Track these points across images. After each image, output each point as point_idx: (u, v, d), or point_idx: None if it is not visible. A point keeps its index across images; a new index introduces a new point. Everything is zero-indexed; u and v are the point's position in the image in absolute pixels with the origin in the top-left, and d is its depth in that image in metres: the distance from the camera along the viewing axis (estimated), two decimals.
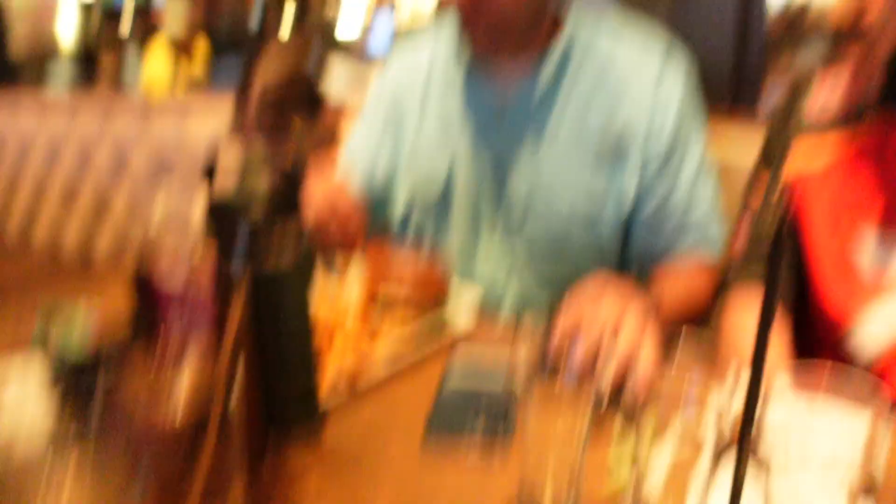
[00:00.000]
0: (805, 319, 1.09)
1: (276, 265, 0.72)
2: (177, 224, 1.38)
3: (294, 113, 1.61)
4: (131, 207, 2.44)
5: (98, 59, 4.05)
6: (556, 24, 1.25)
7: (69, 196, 2.78)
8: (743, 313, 1.12)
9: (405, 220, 1.39)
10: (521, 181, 1.25)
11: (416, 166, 1.34)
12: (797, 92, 0.95)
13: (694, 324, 1.23)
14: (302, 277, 0.75)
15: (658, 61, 1.24)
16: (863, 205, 1.01)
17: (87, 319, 0.98)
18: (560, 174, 1.23)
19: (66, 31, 7.72)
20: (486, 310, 1.19)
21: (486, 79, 1.27)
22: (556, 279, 1.28)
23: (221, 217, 0.71)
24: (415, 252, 1.38)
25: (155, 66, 4.63)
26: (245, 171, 0.85)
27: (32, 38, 7.43)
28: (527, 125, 1.25)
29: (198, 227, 1.38)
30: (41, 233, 2.94)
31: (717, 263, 1.26)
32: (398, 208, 1.39)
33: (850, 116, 1.04)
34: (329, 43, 4.40)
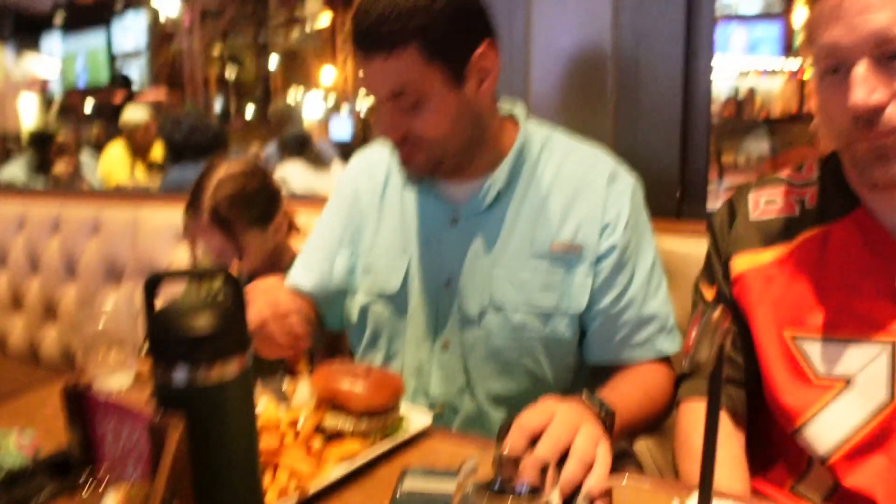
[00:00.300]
0: (761, 409, 1.09)
1: (218, 374, 0.70)
2: (120, 331, 1.35)
3: (245, 223, 1.61)
4: (78, 311, 2.38)
5: (53, 156, 4.08)
6: (505, 140, 1.28)
7: (16, 297, 2.72)
8: (692, 430, 1.12)
9: (361, 327, 1.37)
10: (474, 287, 1.26)
11: (373, 271, 1.34)
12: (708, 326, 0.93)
13: (654, 425, 1.23)
14: (244, 387, 0.73)
15: (606, 173, 1.27)
16: (807, 305, 1.04)
17: (21, 435, 0.95)
18: (513, 280, 1.24)
19: (26, 122, 7.75)
20: (438, 426, 1.16)
21: (438, 190, 1.30)
22: (509, 397, 1.27)
23: (164, 325, 0.69)
24: (369, 361, 1.36)
25: (110, 168, 4.69)
26: (195, 279, 0.84)
27: None
28: (479, 234, 1.26)
29: (140, 335, 1.36)
30: None
31: (675, 359, 1.27)
32: (354, 314, 1.37)
33: (792, 219, 1.08)
34: (293, 129, 4.47)
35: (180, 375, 0.68)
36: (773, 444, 1.11)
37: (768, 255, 1.09)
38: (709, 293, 1.16)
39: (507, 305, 1.23)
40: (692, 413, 1.14)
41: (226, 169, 1.63)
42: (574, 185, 1.26)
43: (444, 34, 1.11)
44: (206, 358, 0.69)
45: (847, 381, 0.99)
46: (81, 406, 0.71)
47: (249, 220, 1.60)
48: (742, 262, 1.10)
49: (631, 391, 1.17)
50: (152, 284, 0.69)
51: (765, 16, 6.97)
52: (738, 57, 6.64)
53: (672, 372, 1.25)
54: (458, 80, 1.15)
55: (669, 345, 1.26)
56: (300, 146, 4.08)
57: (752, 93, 6.63)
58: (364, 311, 1.35)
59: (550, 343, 1.24)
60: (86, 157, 4.50)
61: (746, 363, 1.10)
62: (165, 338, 0.69)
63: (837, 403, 0.99)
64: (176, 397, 0.69)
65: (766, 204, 1.12)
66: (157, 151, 4.77)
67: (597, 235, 1.23)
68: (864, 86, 0.89)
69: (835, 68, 0.93)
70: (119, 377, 1.35)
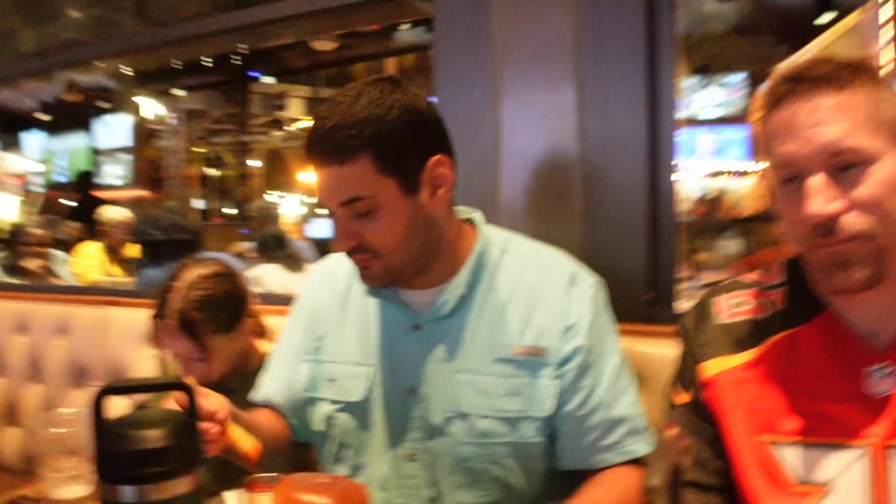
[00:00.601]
0: None
1: (168, 492, 0.67)
2: (80, 437, 1.30)
3: (213, 327, 1.58)
4: (38, 414, 2.30)
5: (24, 251, 4.05)
6: (464, 246, 1.28)
7: None
8: None
9: (326, 439, 1.33)
10: (438, 395, 1.23)
11: (337, 380, 1.30)
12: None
13: None
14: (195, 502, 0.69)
15: (566, 276, 1.27)
16: (781, 409, 1.02)
17: None
18: (477, 386, 1.21)
19: (5, 215, 7.74)
20: None
21: (399, 297, 1.28)
22: None
23: (111, 440, 0.67)
24: (334, 474, 1.31)
25: (84, 266, 4.67)
26: (150, 391, 0.82)
27: None
28: (441, 340, 1.25)
29: (88, 449, 1.31)
30: None
31: (647, 461, 1.24)
32: (319, 424, 1.33)
33: (761, 322, 1.08)
34: (271, 228, 4.57)
35: (128, 493, 0.66)
36: None
37: (738, 359, 1.08)
38: (681, 397, 1.14)
39: (473, 412, 1.21)
40: None
41: (195, 272, 1.61)
42: (534, 290, 1.25)
43: (397, 144, 1.13)
44: (155, 474, 0.66)
45: (827, 487, 0.97)
46: None
47: (217, 324, 1.57)
48: (713, 366, 1.10)
49: (602, 498, 1.14)
50: (101, 396, 0.67)
51: (730, 120, 7.25)
52: (706, 160, 6.86)
53: (643, 477, 1.22)
54: (411, 189, 1.16)
55: (641, 446, 1.23)
56: (278, 244, 4.17)
57: (721, 193, 6.82)
58: (329, 422, 1.31)
59: (519, 449, 1.21)
60: (58, 253, 4.46)
61: (724, 468, 1.08)
62: (112, 452, 0.66)
63: None
64: None
65: (734, 307, 1.13)
66: (132, 249, 4.76)
67: (559, 338, 1.22)
68: (820, 196, 0.91)
69: (791, 178, 0.96)
70: (76, 487, 1.29)
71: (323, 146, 1.12)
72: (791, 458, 1.01)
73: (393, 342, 1.27)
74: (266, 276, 3.82)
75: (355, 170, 1.11)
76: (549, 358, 1.21)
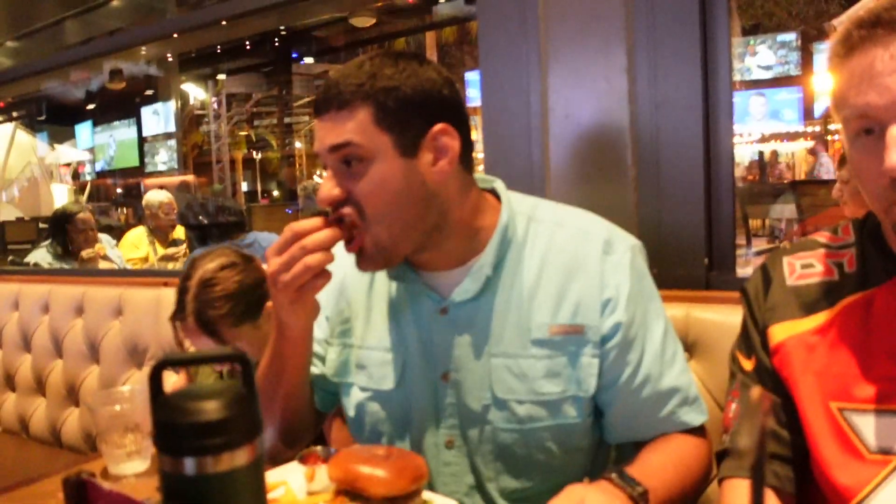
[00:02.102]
0: (809, 486, 1.02)
1: (228, 463, 0.66)
2: (137, 414, 1.32)
3: (233, 320, 1.54)
4: (96, 393, 2.35)
5: (75, 237, 4.15)
6: (486, 221, 1.21)
7: (38, 379, 2.71)
8: None
9: (358, 426, 1.28)
10: (473, 381, 1.18)
11: (367, 367, 1.26)
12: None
13: (692, 497, 1.16)
14: (256, 476, 0.68)
15: (599, 243, 1.19)
16: (854, 375, 0.97)
17: None
18: (514, 370, 1.16)
19: (58, 204, 7.97)
20: None
21: (423, 280, 1.23)
22: (524, 490, 1.19)
23: (170, 412, 0.66)
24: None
25: (131, 250, 4.78)
26: (206, 363, 0.82)
27: (24, 208, 7.67)
28: (471, 323, 1.19)
29: (146, 426, 1.32)
30: (9, 415, 2.84)
31: (705, 427, 1.20)
32: (350, 410, 1.28)
33: (832, 284, 1.03)
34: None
35: (187, 465, 0.65)
36: None
37: (809, 323, 1.03)
38: (747, 364, 1.10)
39: (511, 397, 1.15)
40: (735, 492, 1.07)
41: (204, 268, 1.57)
42: (565, 262, 1.18)
43: (401, 102, 1.09)
44: (214, 446, 0.65)
45: None
46: (83, 496, 0.68)
47: (237, 316, 1.54)
48: (781, 331, 1.05)
49: (664, 462, 1.10)
50: (160, 369, 0.66)
51: (781, 81, 7.04)
52: (758, 123, 6.68)
53: (705, 441, 1.18)
54: (408, 152, 1.10)
55: (695, 416, 1.18)
56: None
57: (775, 156, 6.64)
58: (360, 409, 1.26)
59: (561, 431, 1.16)
60: (105, 237, 4.56)
61: (793, 437, 1.04)
62: (171, 424, 0.65)
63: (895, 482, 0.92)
64: (183, 488, 0.65)
65: (802, 268, 1.08)
66: (179, 231, 4.84)
67: (598, 314, 1.15)
68: None
69: (868, 129, 0.90)
70: (134, 462, 1.31)
71: (326, 96, 1.09)
72: (865, 426, 0.96)
73: (421, 327, 1.22)
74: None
75: (353, 117, 1.08)
76: (588, 336, 1.15)
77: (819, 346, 1.01)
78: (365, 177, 1.08)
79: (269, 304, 1.16)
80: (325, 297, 1.30)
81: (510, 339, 1.17)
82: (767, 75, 7.07)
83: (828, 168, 7.35)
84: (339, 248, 1.21)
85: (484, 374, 1.17)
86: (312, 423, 1.32)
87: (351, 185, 1.09)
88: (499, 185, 1.25)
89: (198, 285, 1.55)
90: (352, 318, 1.29)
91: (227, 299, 1.53)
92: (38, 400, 2.72)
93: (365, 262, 1.15)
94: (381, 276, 1.28)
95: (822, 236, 1.09)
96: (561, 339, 1.15)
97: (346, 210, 1.10)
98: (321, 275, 1.09)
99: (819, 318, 1.03)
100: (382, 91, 1.08)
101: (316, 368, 1.31)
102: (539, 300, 1.17)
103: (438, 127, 1.11)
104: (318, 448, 1.17)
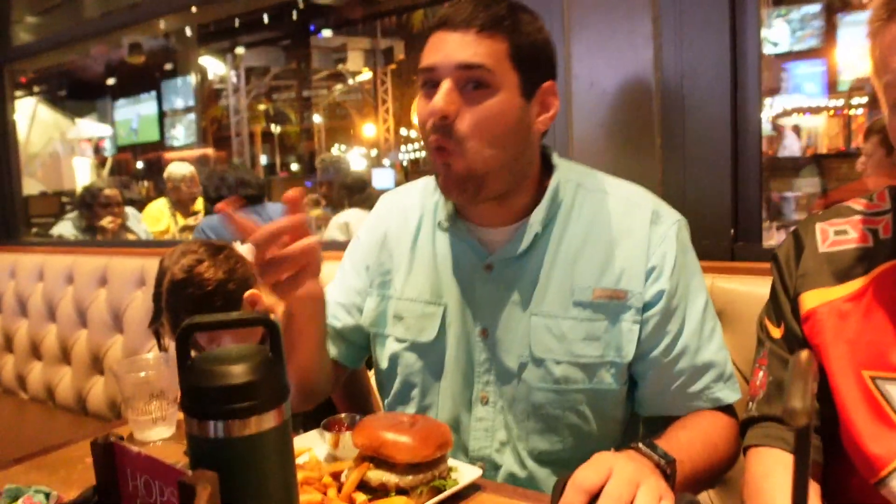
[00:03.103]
0: (839, 456, 1.01)
1: (255, 427, 0.66)
2: (162, 381, 1.33)
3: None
4: (121, 361, 2.38)
5: (99, 210, 4.19)
6: (540, 181, 1.23)
7: (64, 349, 2.75)
8: (763, 479, 1.03)
9: (390, 377, 1.30)
10: (512, 339, 1.19)
11: (406, 318, 1.27)
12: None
13: (718, 475, 1.15)
14: (283, 440, 0.68)
15: (647, 213, 1.20)
16: (888, 343, 0.95)
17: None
18: (553, 330, 1.17)
19: (81, 180, 8.04)
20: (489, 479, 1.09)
21: (472, 234, 1.24)
22: (554, 453, 1.20)
23: (198, 375, 0.66)
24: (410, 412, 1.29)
25: (153, 222, 4.82)
26: (231, 327, 0.82)
27: (47, 182, 7.76)
28: (514, 281, 1.20)
29: (171, 392, 1.33)
30: (35, 383, 2.88)
31: (736, 407, 1.19)
32: (383, 361, 1.31)
33: (866, 250, 1.01)
34: (350, 175, 4.84)
35: (215, 428, 0.65)
36: (853, 495, 1.02)
37: (842, 290, 1.01)
38: (776, 331, 1.08)
39: (548, 357, 1.16)
40: (762, 460, 1.06)
41: (172, 272, 1.50)
42: (614, 228, 1.19)
43: (533, 48, 1.12)
44: (242, 409, 0.65)
45: None
46: (112, 460, 0.68)
47: (216, 313, 1.48)
48: (813, 298, 1.03)
49: (691, 438, 1.10)
50: (186, 333, 0.66)
51: (805, 54, 6.90)
52: (780, 95, 6.57)
53: (735, 422, 1.17)
54: (527, 95, 1.13)
55: (729, 394, 1.17)
56: (361, 188, 4.49)
57: (797, 130, 6.53)
58: (394, 360, 1.28)
59: (596, 396, 1.17)
60: (131, 211, 4.60)
61: (822, 407, 1.02)
62: (199, 388, 0.65)
63: None
64: (210, 451, 0.66)
65: (836, 235, 1.05)
66: (199, 204, 4.86)
67: (642, 281, 1.16)
68: None
69: None
70: (160, 429, 1.32)
71: (467, 8, 1.10)
72: None
73: (464, 282, 1.23)
74: (353, 221, 3.93)
75: (492, 43, 1.09)
76: (630, 301, 1.15)
77: (852, 314, 0.99)
78: (485, 103, 1.10)
79: (248, 293, 1.13)
80: (367, 248, 1.33)
81: (552, 300, 1.17)
82: (787, 46, 6.94)
83: (791, 149, 7.11)
84: (385, 202, 1.23)
85: (523, 333, 1.18)
86: (328, 385, 1.32)
87: (467, 107, 1.10)
88: (551, 150, 1.28)
89: (168, 291, 1.49)
90: (392, 270, 1.30)
91: (201, 299, 1.47)
92: (63, 369, 2.76)
93: (452, 184, 1.14)
94: (426, 232, 1.29)
95: (858, 203, 1.07)
96: (603, 302, 1.16)
97: (447, 138, 1.10)
98: (305, 269, 0.98)
99: (853, 286, 1.01)
100: (522, 32, 1.12)
101: (351, 319, 1.32)
102: (584, 263, 1.18)
103: (549, 84, 1.16)
104: (343, 415, 1.17)
